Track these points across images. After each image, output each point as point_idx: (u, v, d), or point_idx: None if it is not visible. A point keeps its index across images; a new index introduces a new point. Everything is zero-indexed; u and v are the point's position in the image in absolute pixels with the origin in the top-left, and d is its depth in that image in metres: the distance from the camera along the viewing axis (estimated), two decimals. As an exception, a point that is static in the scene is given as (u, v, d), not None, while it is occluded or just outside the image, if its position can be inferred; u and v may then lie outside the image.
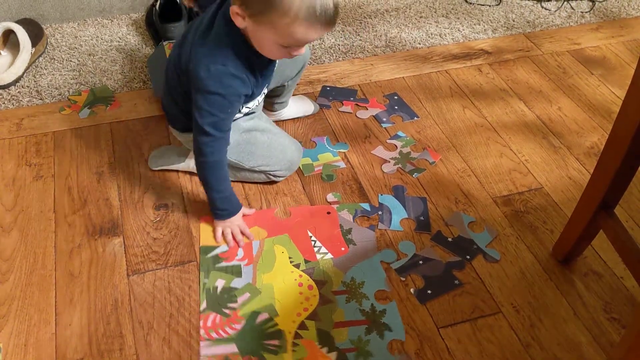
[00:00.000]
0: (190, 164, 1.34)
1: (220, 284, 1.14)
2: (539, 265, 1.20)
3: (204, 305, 1.11)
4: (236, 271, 1.16)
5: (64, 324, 1.08)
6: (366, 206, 1.31)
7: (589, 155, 1.46)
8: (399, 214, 1.30)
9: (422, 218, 1.29)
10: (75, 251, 1.20)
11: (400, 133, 1.50)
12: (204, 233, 1.24)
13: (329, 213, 1.29)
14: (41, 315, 1.10)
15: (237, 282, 1.15)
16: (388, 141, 1.47)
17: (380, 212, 1.30)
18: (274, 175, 1.32)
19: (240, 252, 1.20)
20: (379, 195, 1.34)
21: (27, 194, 1.32)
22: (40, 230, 1.24)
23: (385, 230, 1.26)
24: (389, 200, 1.33)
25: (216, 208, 1.21)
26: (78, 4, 1.84)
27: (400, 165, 1.41)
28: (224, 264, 1.17)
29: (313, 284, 1.15)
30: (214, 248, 1.21)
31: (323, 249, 1.22)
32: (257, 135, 1.29)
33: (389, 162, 1.42)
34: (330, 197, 1.33)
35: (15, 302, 1.11)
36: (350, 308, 1.12)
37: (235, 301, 1.12)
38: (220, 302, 1.11)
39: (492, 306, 1.13)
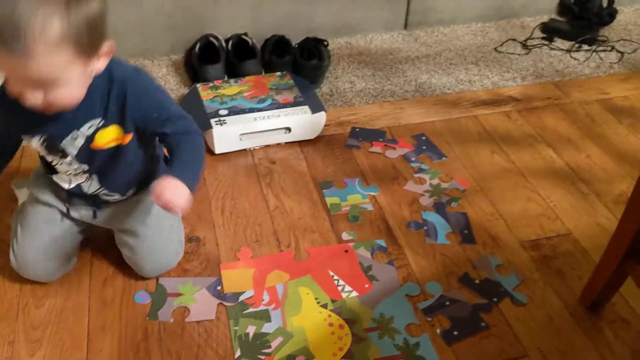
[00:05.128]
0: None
1: (251, 330, 1.14)
2: (566, 311, 1.20)
3: (238, 353, 1.10)
4: (265, 316, 1.17)
5: (96, 350, 1.11)
6: (382, 242, 1.33)
7: (618, 203, 1.46)
8: (444, 229, 1.36)
9: (465, 231, 1.35)
10: (108, 279, 1.24)
11: (423, 166, 1.54)
12: (227, 281, 1.23)
13: (346, 251, 1.31)
14: (74, 340, 1.13)
15: (268, 327, 1.15)
16: (415, 175, 1.51)
17: (426, 228, 1.36)
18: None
19: (266, 297, 1.20)
20: (422, 212, 1.40)
21: (66, 223, 1.36)
22: (77, 258, 1.28)
23: (409, 267, 1.27)
24: (433, 216, 1.39)
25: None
26: (121, 44, 1.91)
27: (435, 197, 1.44)
28: (251, 309, 1.18)
29: (344, 322, 1.16)
30: (238, 295, 1.21)
31: (347, 287, 1.23)
32: (27, 210, 1.18)
33: (424, 195, 1.45)
34: (345, 235, 1.35)
35: (50, 327, 1.15)
36: (384, 344, 1.12)
37: (269, 346, 1.12)
38: (254, 348, 1.11)
39: (519, 350, 1.13)
